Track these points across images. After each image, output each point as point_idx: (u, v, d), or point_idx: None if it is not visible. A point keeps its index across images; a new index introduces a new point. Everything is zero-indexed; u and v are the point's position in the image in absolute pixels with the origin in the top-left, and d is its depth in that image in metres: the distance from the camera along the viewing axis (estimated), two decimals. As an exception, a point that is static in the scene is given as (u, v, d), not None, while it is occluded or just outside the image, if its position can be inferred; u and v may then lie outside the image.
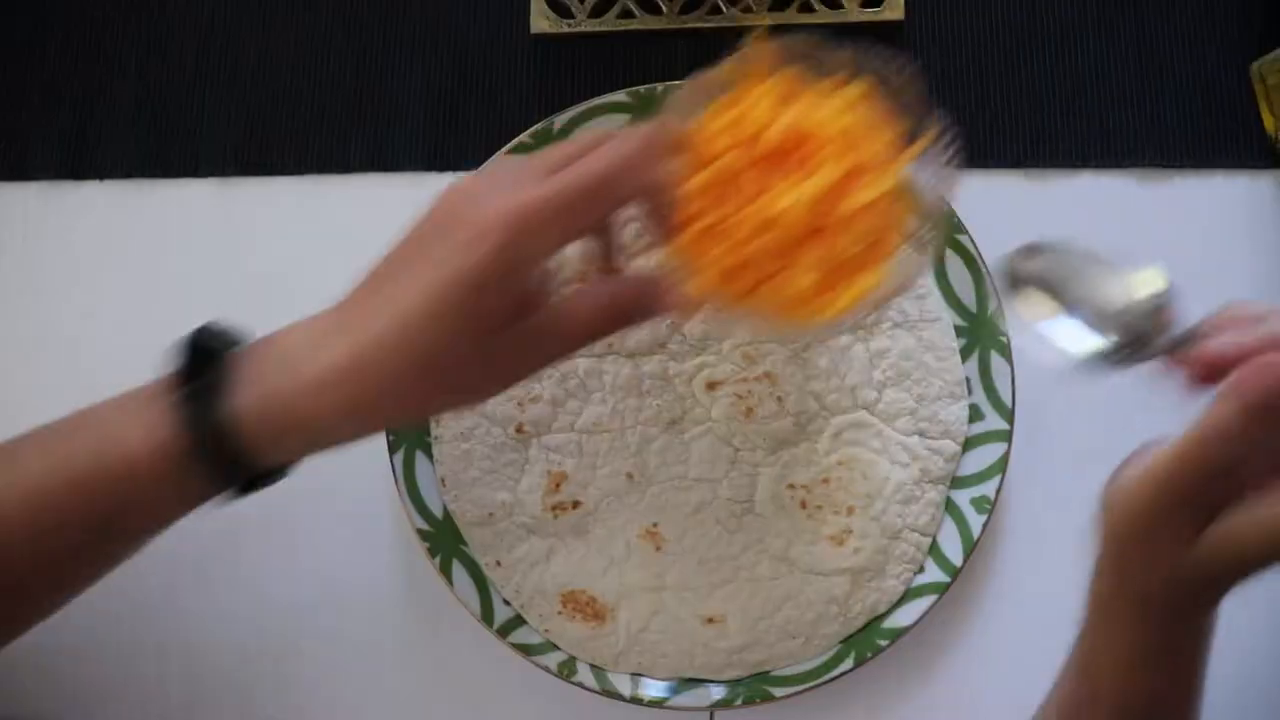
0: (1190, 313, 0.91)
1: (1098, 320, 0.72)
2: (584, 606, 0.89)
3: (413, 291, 0.65)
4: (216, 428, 0.68)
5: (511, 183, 0.66)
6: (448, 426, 0.91)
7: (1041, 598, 0.91)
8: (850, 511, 0.89)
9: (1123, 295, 0.71)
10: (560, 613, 0.89)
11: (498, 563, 0.90)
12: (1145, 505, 0.63)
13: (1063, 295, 0.73)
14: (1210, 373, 0.63)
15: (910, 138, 0.73)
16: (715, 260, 0.69)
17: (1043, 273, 0.74)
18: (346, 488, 0.94)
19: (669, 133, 0.71)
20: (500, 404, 0.91)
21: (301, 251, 0.98)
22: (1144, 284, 0.71)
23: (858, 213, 0.70)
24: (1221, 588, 0.62)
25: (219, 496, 0.72)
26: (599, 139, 0.70)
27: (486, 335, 0.66)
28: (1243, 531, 0.59)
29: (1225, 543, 0.60)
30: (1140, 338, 0.70)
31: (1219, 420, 0.60)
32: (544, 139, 0.93)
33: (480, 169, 0.70)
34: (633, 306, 0.71)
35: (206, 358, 0.70)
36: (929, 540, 0.90)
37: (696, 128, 0.72)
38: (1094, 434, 0.92)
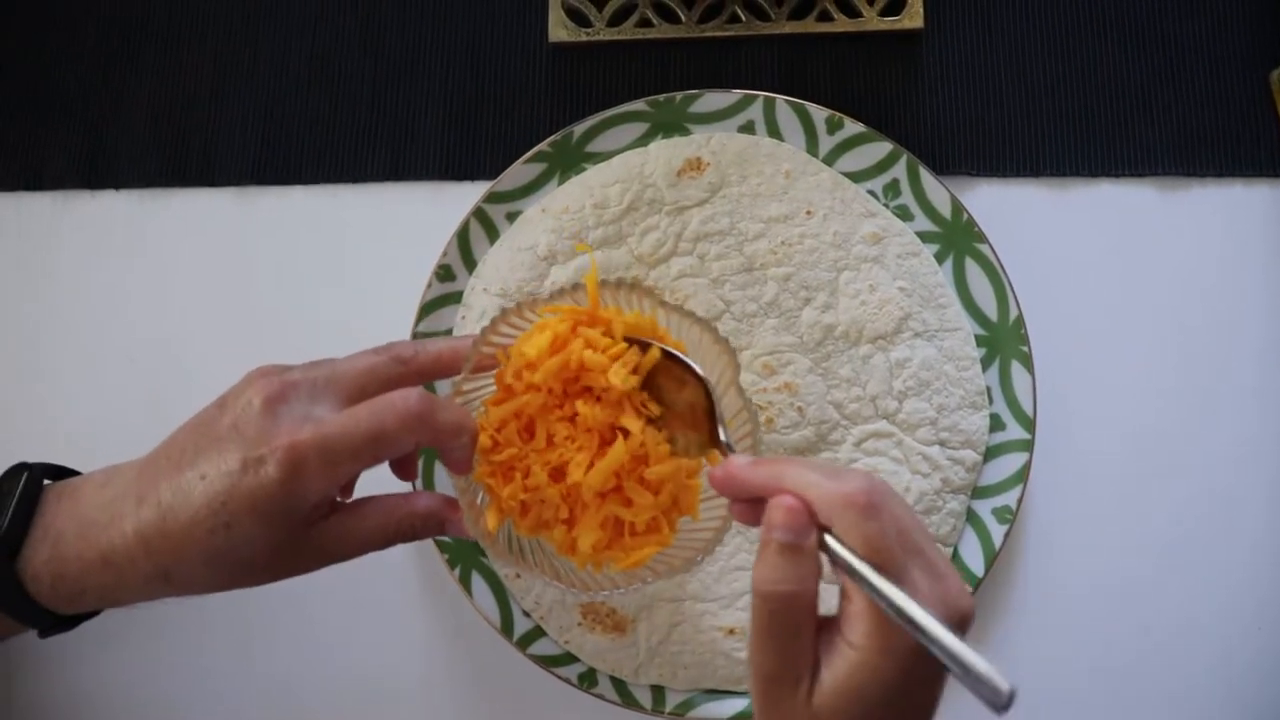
0: (1204, 320, 0.91)
1: None
2: (604, 618, 0.89)
3: (202, 494, 0.68)
4: (9, 585, 0.70)
5: (308, 397, 0.70)
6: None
7: (1063, 608, 0.91)
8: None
9: None
10: (580, 624, 0.89)
11: (517, 574, 0.90)
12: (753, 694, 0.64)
13: None
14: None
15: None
16: (511, 495, 0.72)
17: None
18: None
19: (456, 356, 0.75)
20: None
21: (319, 262, 0.98)
22: None
23: (651, 483, 0.72)
24: None
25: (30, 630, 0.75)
26: (412, 350, 0.75)
27: (277, 543, 0.69)
28: (828, 695, 0.61)
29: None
30: None
31: (756, 617, 0.63)
32: (562, 148, 0.93)
33: (307, 365, 0.72)
34: (422, 526, 0.75)
35: (8, 504, 0.72)
36: (951, 550, 0.89)
37: (504, 359, 0.74)
38: (1115, 444, 0.93)
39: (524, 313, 0.75)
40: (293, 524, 0.69)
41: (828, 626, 0.63)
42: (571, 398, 0.72)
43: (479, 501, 0.75)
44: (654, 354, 0.73)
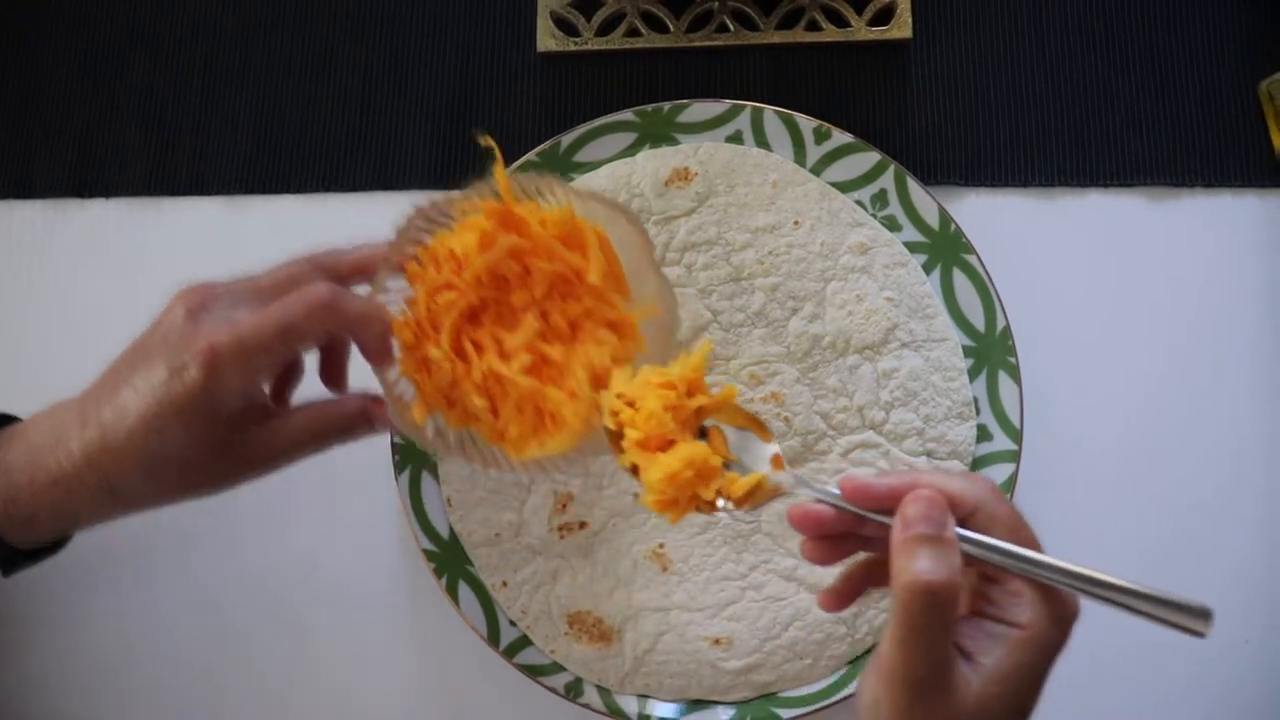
0: (1192, 330, 0.92)
1: None
2: (590, 627, 0.89)
3: (135, 405, 0.70)
4: None
5: (229, 304, 0.73)
6: (453, 447, 0.91)
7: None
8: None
9: None
10: (567, 633, 0.89)
11: (504, 583, 0.90)
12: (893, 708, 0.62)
13: None
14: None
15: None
16: (434, 388, 0.74)
17: None
18: (353, 509, 0.95)
19: (384, 264, 0.76)
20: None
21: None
22: None
23: (571, 367, 0.74)
24: None
25: None
26: (332, 258, 0.77)
27: (209, 446, 0.72)
28: (978, 695, 0.61)
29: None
30: None
31: (906, 616, 0.61)
32: (550, 158, 0.93)
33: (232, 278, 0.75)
34: (350, 424, 0.77)
35: None
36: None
37: (419, 255, 0.76)
38: (1102, 455, 0.93)
39: (438, 212, 0.77)
40: (222, 425, 0.72)
41: (966, 625, 0.63)
42: (499, 291, 0.75)
43: (406, 397, 0.76)
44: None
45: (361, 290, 0.76)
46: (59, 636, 0.95)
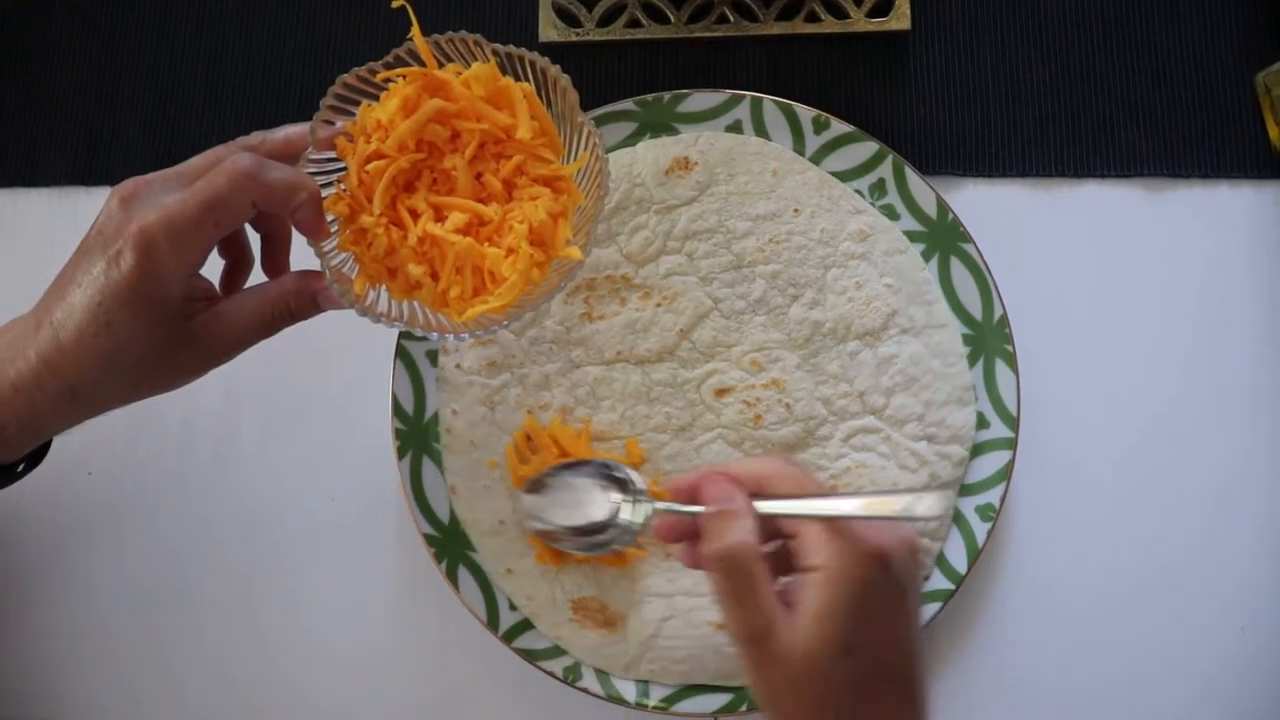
0: (1188, 320, 0.92)
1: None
2: (595, 613, 0.89)
3: (81, 301, 0.71)
4: None
5: (159, 189, 0.73)
6: (458, 435, 0.91)
7: (1046, 605, 0.92)
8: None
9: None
10: (572, 620, 0.89)
11: (509, 570, 0.90)
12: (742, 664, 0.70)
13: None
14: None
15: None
16: (373, 259, 0.75)
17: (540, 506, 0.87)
18: (353, 494, 0.96)
19: (304, 137, 0.77)
20: (510, 412, 0.91)
21: (310, 258, 0.99)
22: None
23: (509, 224, 0.76)
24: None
25: None
26: (259, 139, 0.77)
27: (157, 335, 0.72)
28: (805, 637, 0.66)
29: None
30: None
31: (718, 583, 0.69)
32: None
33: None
34: (295, 302, 0.76)
35: None
36: (939, 546, 0.90)
37: (348, 129, 0.76)
38: (1099, 442, 0.93)
39: (361, 83, 0.78)
40: (166, 312, 0.72)
41: (783, 590, 0.68)
42: (430, 157, 0.76)
43: (346, 269, 0.76)
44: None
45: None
46: (42, 611, 0.96)
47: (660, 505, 0.76)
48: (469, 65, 0.77)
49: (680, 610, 0.89)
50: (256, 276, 0.81)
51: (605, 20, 1.00)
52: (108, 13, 1.05)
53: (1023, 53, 1.00)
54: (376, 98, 0.77)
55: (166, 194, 0.72)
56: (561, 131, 0.79)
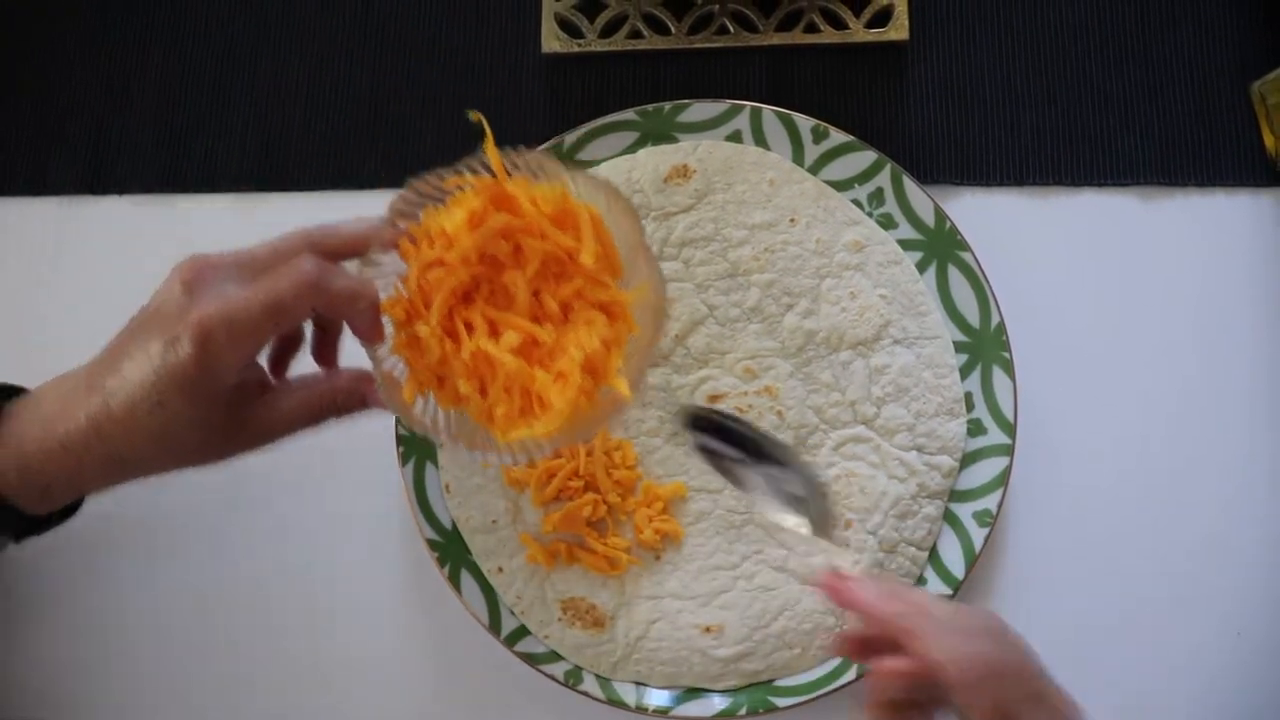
0: (1185, 327, 0.92)
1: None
2: (584, 614, 0.90)
3: (135, 376, 0.71)
4: None
5: (223, 278, 0.73)
6: (452, 435, 0.92)
7: (1043, 610, 0.92)
8: (848, 525, 0.90)
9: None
10: (560, 619, 0.90)
11: (500, 569, 0.91)
12: None
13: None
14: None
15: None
16: (424, 367, 0.74)
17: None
18: (357, 499, 0.96)
19: (376, 240, 0.76)
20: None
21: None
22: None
23: (563, 348, 0.74)
24: None
25: (8, 540, 0.80)
26: (326, 234, 0.76)
27: (206, 419, 0.72)
28: None
29: None
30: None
31: None
32: (554, 156, 0.94)
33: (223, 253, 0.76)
34: (343, 400, 0.77)
35: None
36: (925, 554, 0.91)
37: (413, 232, 0.75)
38: (1096, 448, 0.93)
39: (432, 189, 0.76)
40: (217, 400, 0.72)
41: None
42: (491, 270, 0.75)
43: (398, 374, 0.76)
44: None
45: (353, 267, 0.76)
46: (62, 613, 0.97)
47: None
48: (536, 178, 0.76)
49: (668, 612, 0.90)
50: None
51: (607, 31, 1.01)
52: (117, 23, 1.07)
53: (1020, 63, 1.00)
54: (443, 201, 0.76)
55: (229, 285, 0.73)
56: (624, 255, 0.77)
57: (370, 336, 0.74)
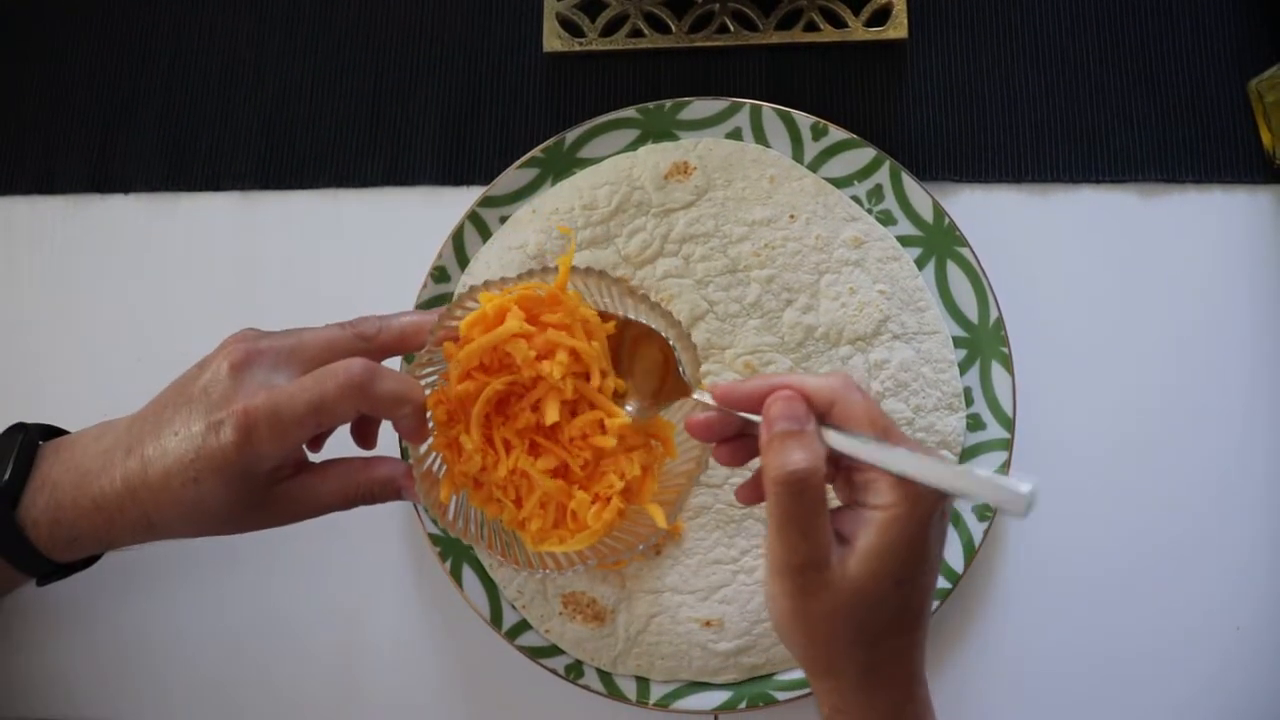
0: (1184, 323, 0.92)
1: None
2: (585, 608, 0.90)
3: (174, 450, 0.73)
4: (10, 532, 0.76)
5: (271, 366, 0.75)
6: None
7: (1042, 605, 0.92)
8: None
9: None
10: (561, 613, 0.91)
11: (501, 565, 0.91)
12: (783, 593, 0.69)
13: None
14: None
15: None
16: (462, 470, 0.76)
17: None
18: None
19: (421, 332, 0.78)
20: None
21: (320, 263, 1.01)
22: None
23: (604, 471, 0.76)
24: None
25: (26, 580, 0.80)
26: (378, 327, 0.78)
27: (241, 499, 0.74)
28: (857, 571, 0.67)
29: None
30: None
31: (778, 506, 0.67)
32: (554, 154, 0.95)
33: (278, 334, 0.78)
34: (380, 491, 0.79)
35: (8, 457, 0.78)
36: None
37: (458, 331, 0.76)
38: (1095, 443, 0.94)
39: (490, 290, 0.77)
40: (254, 482, 0.74)
41: (837, 513, 0.69)
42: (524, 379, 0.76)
43: (435, 470, 0.77)
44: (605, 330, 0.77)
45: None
46: (81, 631, 0.98)
47: (706, 397, 0.73)
48: (602, 302, 0.78)
49: (668, 607, 0.90)
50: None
51: (608, 30, 1.01)
52: (123, 24, 1.08)
53: (1018, 60, 1.00)
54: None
55: (277, 374, 0.75)
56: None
57: (413, 438, 0.76)
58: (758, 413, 0.69)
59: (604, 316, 0.78)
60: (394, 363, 0.86)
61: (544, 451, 0.76)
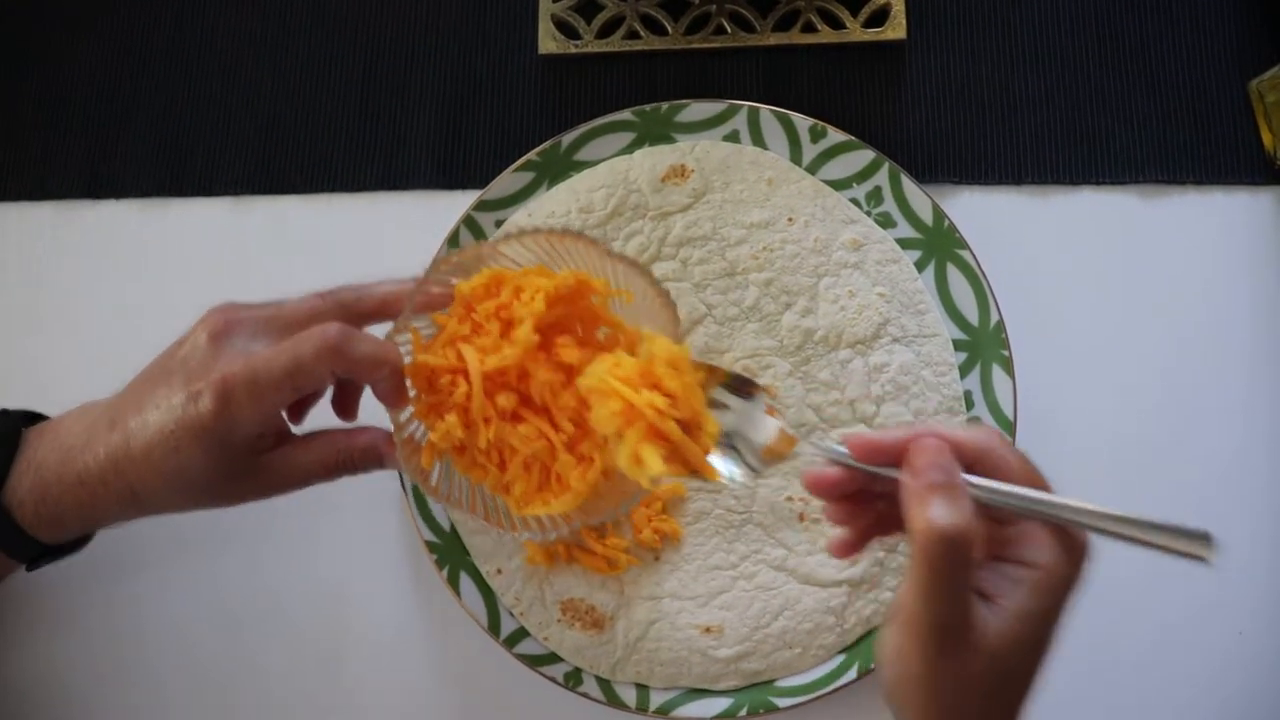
0: (1185, 326, 0.92)
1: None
2: (583, 614, 0.90)
3: (155, 421, 0.73)
4: None
5: (249, 334, 0.75)
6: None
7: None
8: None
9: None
10: (559, 620, 0.90)
11: (499, 570, 0.91)
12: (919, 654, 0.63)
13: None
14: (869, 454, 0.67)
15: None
16: (445, 433, 0.73)
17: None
18: (356, 501, 0.96)
19: (402, 298, 0.77)
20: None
21: (314, 268, 1.00)
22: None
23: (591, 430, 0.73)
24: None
25: (15, 566, 0.81)
26: (357, 295, 0.78)
27: (222, 467, 0.74)
28: (1000, 636, 0.62)
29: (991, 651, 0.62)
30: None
31: (925, 563, 0.61)
32: (551, 157, 0.95)
33: (257, 304, 0.78)
34: (360, 459, 0.78)
35: None
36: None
37: (452, 299, 0.75)
38: (1096, 447, 0.93)
39: (470, 257, 0.76)
40: (234, 450, 0.74)
41: (985, 570, 0.64)
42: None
43: (417, 437, 0.76)
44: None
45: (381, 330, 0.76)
46: (75, 622, 0.97)
47: (835, 448, 0.67)
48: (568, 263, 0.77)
49: (667, 613, 0.90)
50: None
51: (604, 32, 1.01)
52: (119, 27, 1.07)
53: (1018, 61, 1.00)
54: (476, 270, 0.75)
55: (255, 342, 0.75)
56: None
57: (392, 402, 0.75)
58: (893, 465, 0.64)
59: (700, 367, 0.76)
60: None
61: (525, 421, 0.74)
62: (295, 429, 0.80)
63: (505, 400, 0.72)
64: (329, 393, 0.81)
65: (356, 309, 0.78)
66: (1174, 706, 0.91)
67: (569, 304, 0.74)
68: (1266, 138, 0.96)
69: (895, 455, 0.64)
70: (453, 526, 0.92)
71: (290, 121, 1.04)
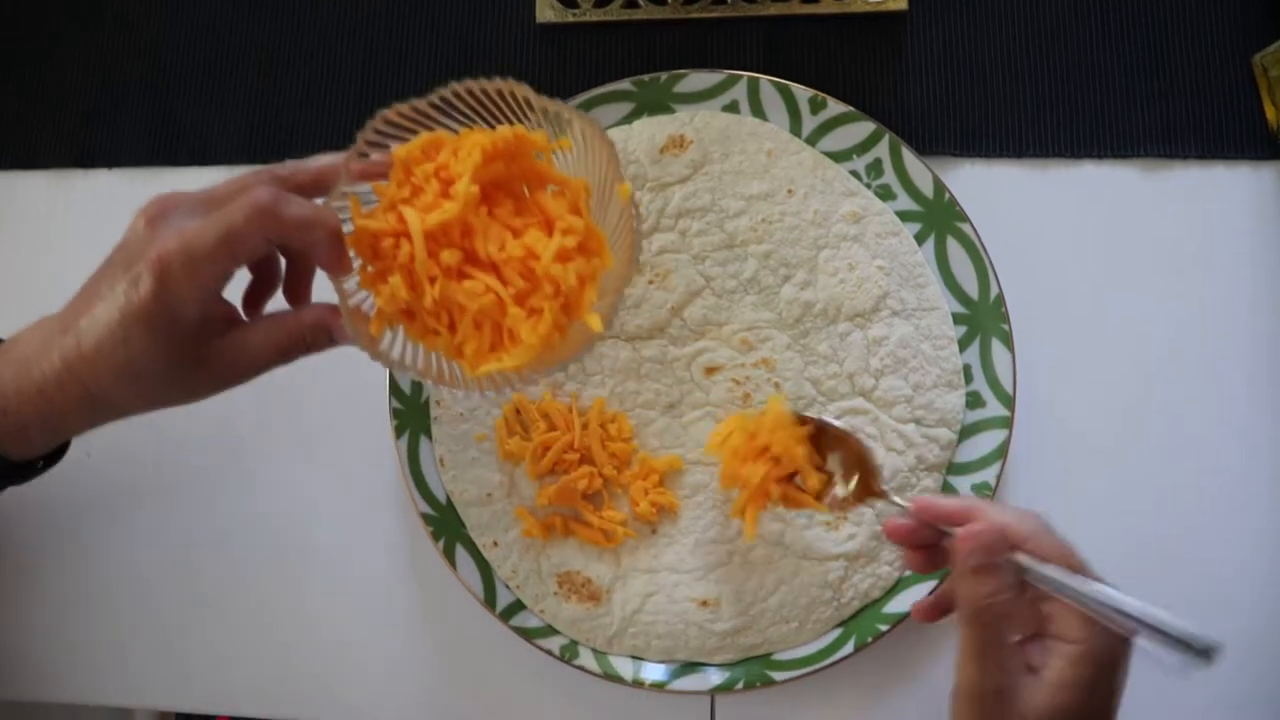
0: (1185, 299, 0.92)
1: None
2: (579, 587, 0.90)
3: (103, 314, 0.72)
4: None
5: (184, 213, 0.74)
6: (447, 407, 0.92)
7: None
8: (846, 499, 0.89)
9: None
10: (556, 593, 0.90)
11: (495, 543, 0.91)
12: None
13: None
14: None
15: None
16: (392, 299, 0.72)
17: None
18: (351, 474, 0.96)
19: (337, 169, 0.75)
20: (500, 387, 0.92)
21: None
22: None
23: (538, 281, 0.72)
24: None
25: None
26: (291, 170, 0.76)
27: (172, 354, 0.72)
28: (1043, 703, 0.68)
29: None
30: None
31: (970, 634, 0.70)
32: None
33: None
34: (311, 335, 0.76)
35: None
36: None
37: (392, 164, 0.74)
38: (1095, 421, 0.93)
39: (403, 120, 0.74)
40: (182, 334, 0.72)
41: (1027, 643, 0.71)
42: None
43: (366, 308, 0.75)
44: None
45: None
46: (71, 562, 0.98)
47: (911, 502, 0.77)
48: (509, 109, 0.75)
49: (664, 586, 0.90)
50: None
51: (602, 1, 1.00)
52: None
53: (1020, 33, 0.99)
54: (414, 133, 0.74)
55: (190, 218, 0.73)
56: (598, 190, 0.76)
57: (333, 268, 0.73)
58: (953, 524, 0.74)
59: (801, 420, 0.84)
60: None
61: (470, 277, 0.72)
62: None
63: (450, 257, 0.71)
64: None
65: (293, 181, 0.76)
66: (1174, 702, 0.91)
67: (509, 160, 0.73)
68: (1270, 112, 0.95)
69: (952, 520, 0.74)
70: (449, 499, 0.92)
71: (283, 90, 1.03)
